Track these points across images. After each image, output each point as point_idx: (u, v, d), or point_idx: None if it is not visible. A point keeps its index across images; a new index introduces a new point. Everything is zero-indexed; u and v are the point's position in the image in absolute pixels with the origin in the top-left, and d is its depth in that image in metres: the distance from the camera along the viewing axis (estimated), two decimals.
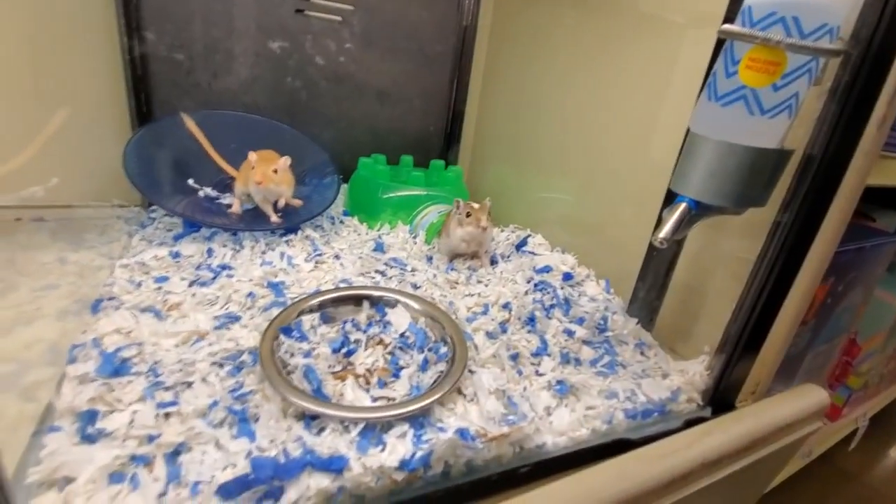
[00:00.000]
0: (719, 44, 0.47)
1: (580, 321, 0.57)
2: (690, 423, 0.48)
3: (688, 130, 0.46)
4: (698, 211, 0.46)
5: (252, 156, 0.68)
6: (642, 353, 0.57)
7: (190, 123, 0.74)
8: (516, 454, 0.40)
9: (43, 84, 0.72)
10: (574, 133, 0.77)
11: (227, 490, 0.31)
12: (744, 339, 0.48)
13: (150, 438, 0.35)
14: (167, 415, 0.37)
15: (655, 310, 0.61)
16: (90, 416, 0.35)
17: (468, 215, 0.64)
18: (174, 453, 0.34)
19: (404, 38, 0.92)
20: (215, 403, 0.38)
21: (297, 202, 0.74)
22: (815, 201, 0.44)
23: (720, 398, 0.51)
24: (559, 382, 0.47)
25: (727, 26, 0.40)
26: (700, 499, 0.43)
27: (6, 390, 0.37)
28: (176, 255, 0.61)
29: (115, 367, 0.40)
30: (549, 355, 0.51)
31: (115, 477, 0.32)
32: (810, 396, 0.52)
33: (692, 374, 0.52)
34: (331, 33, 0.86)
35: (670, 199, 0.53)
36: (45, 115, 0.72)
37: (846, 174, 0.44)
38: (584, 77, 0.75)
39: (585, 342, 0.55)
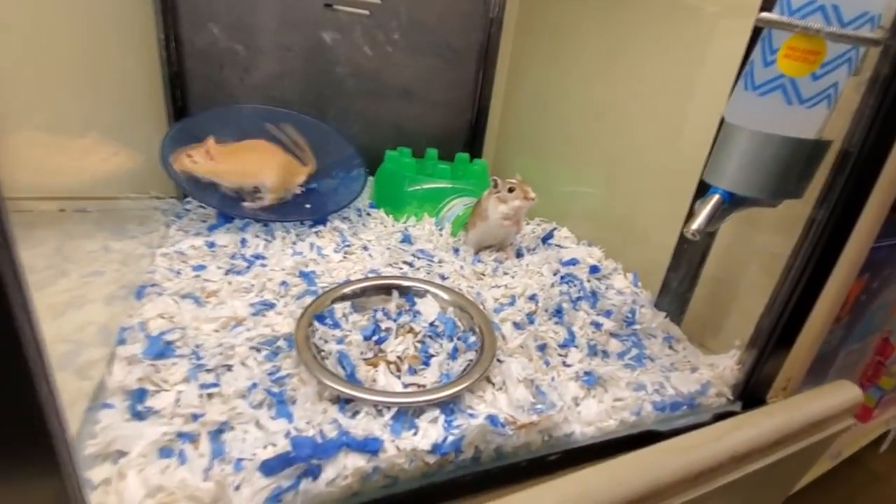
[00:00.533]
0: (756, 33, 0.46)
1: (608, 314, 0.57)
2: (720, 418, 0.48)
3: (722, 121, 0.45)
4: (732, 203, 0.46)
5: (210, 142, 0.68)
6: (671, 347, 0.57)
7: (288, 130, 0.77)
8: (545, 442, 0.40)
9: (88, 80, 0.75)
10: (602, 125, 0.77)
11: (269, 467, 0.32)
12: (776, 334, 0.48)
13: (195, 417, 0.36)
14: (210, 395, 0.39)
15: (685, 303, 0.60)
16: (139, 395, 0.37)
17: (511, 190, 0.65)
18: (218, 431, 0.36)
19: (431, 32, 0.92)
20: (254, 385, 0.39)
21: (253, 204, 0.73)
22: (852, 196, 0.43)
23: (751, 393, 0.51)
24: (587, 374, 0.48)
25: (766, 14, 0.40)
26: (728, 494, 0.43)
27: (63, 369, 0.39)
28: (211, 245, 0.63)
29: (161, 350, 0.42)
30: (576, 347, 0.52)
31: (164, 452, 0.34)
32: (843, 393, 0.51)
33: (722, 368, 0.51)
34: (358, 28, 0.87)
35: (703, 190, 0.53)
36: (90, 110, 0.75)
37: (884, 168, 0.43)
38: (612, 68, 0.74)
39: (613, 335, 0.55)
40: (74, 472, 0.25)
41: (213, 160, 0.67)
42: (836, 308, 0.51)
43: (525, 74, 0.97)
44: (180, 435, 0.35)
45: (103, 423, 0.35)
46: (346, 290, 0.50)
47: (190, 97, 0.80)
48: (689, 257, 0.58)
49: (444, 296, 0.52)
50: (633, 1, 0.70)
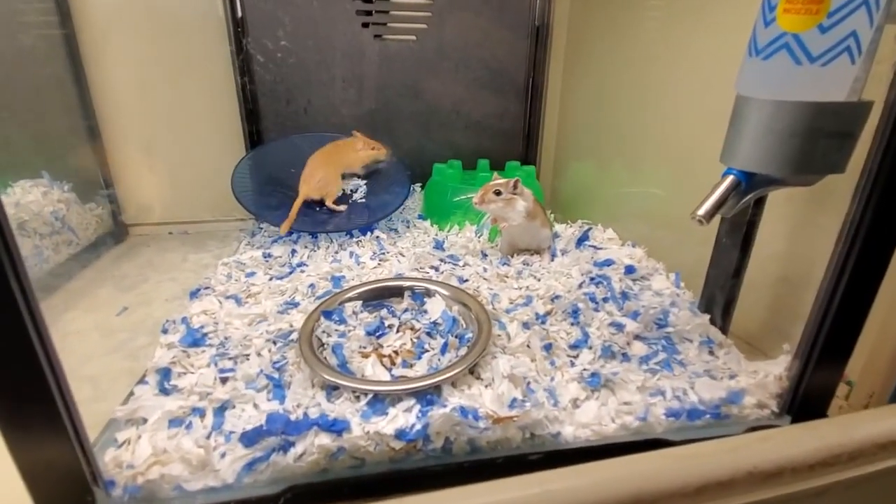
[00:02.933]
0: None
1: (634, 315, 0.53)
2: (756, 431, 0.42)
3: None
4: (751, 185, 0.41)
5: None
6: (710, 353, 0.50)
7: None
8: (526, 440, 0.39)
9: (186, 124, 0.91)
10: (657, 124, 0.72)
11: (247, 438, 0.36)
12: (824, 337, 0.40)
13: (206, 395, 0.42)
14: (224, 379, 0.44)
15: (730, 305, 0.53)
16: (166, 374, 0.44)
17: (497, 193, 0.64)
18: (221, 408, 0.41)
19: (476, 48, 0.95)
20: (260, 372, 0.44)
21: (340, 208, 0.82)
22: None
23: (803, 406, 0.43)
24: (592, 375, 0.45)
25: None
26: None
27: (118, 352, 0.48)
28: (267, 256, 0.71)
29: (195, 339, 0.49)
30: (589, 348, 0.49)
31: (176, 422, 0.39)
32: None
33: (764, 375, 0.44)
34: (407, 53, 0.93)
35: None
36: (185, 146, 0.91)
37: None
38: (670, 63, 0.69)
39: (640, 337, 0.51)
40: (77, 433, 0.31)
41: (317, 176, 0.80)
42: None
43: (580, 78, 0.94)
44: (194, 409, 0.41)
45: (136, 395, 0.42)
46: (354, 291, 0.53)
47: (263, 130, 0.92)
48: (727, 253, 0.51)
49: (445, 292, 0.53)
50: None
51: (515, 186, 0.64)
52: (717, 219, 0.52)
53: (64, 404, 0.30)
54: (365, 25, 0.90)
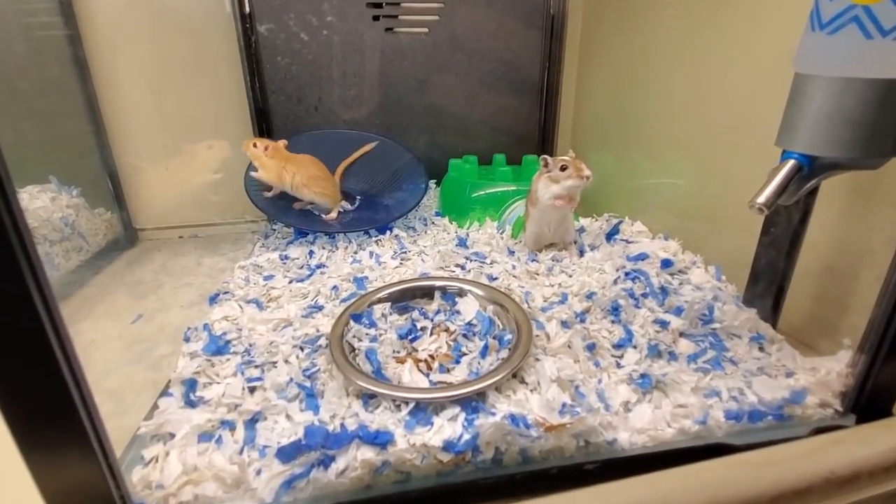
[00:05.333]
0: None
1: (678, 311, 0.50)
2: (822, 433, 0.39)
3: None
4: (813, 169, 0.38)
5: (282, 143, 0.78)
6: (761, 349, 0.48)
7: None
8: (580, 448, 0.36)
9: (195, 126, 0.88)
10: (684, 109, 0.69)
11: (284, 453, 0.33)
12: (891, 332, 0.38)
13: (235, 407, 0.39)
14: (252, 388, 0.42)
15: (780, 298, 0.51)
16: (192, 385, 0.41)
17: (563, 168, 0.61)
18: (252, 420, 0.38)
19: (490, 39, 0.92)
20: (291, 380, 0.42)
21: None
22: None
23: (869, 404, 0.40)
24: (642, 376, 0.42)
25: None
26: None
27: (138, 362, 0.46)
28: (284, 258, 0.69)
29: (218, 347, 0.46)
30: (634, 347, 0.46)
31: (204, 437, 0.37)
32: None
33: (825, 372, 0.42)
34: (419, 45, 0.90)
35: None
36: (194, 147, 0.89)
37: None
38: (693, 41, 0.66)
39: (685, 334, 0.49)
40: (105, 452, 0.28)
41: (266, 155, 0.75)
42: None
43: (597, 67, 0.92)
44: (223, 422, 0.38)
45: (161, 409, 0.39)
46: (383, 292, 0.51)
47: (274, 129, 0.90)
48: (777, 243, 0.49)
49: (481, 293, 0.50)
50: None
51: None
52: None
53: (90, 421, 0.27)
54: (376, 18, 0.88)
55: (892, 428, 0.37)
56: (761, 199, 0.37)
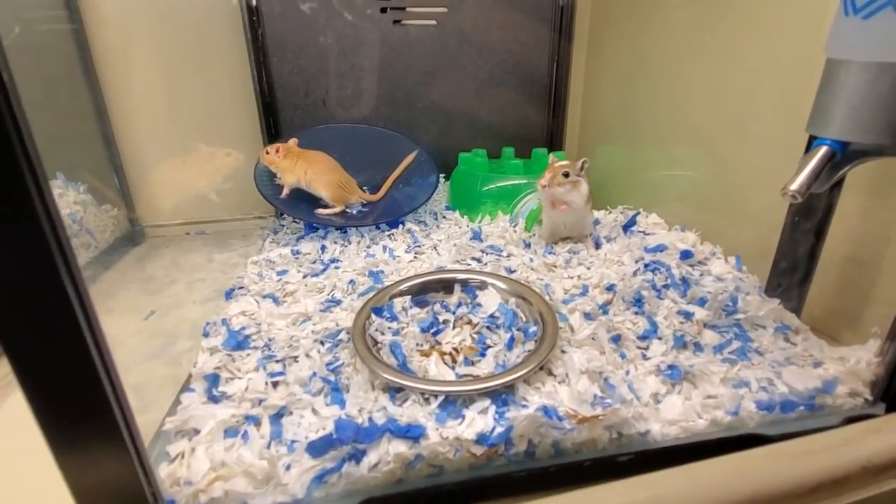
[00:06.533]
0: None
1: (701, 302, 0.50)
2: (854, 422, 0.38)
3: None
4: (846, 156, 0.38)
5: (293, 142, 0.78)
6: (786, 339, 0.47)
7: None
8: (613, 440, 0.36)
9: (201, 121, 0.87)
10: (696, 101, 0.68)
11: (314, 448, 0.33)
12: None
13: (260, 401, 0.39)
14: (275, 383, 0.41)
15: (804, 288, 0.50)
16: (214, 381, 0.41)
17: (565, 175, 0.61)
18: (278, 415, 0.38)
19: (498, 30, 0.91)
20: (314, 374, 0.41)
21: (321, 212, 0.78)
22: None
23: None
24: (671, 367, 0.42)
25: None
26: None
27: (158, 358, 0.45)
28: (296, 253, 0.68)
29: (238, 342, 0.45)
30: (659, 338, 0.46)
31: (231, 432, 0.36)
32: None
33: (855, 361, 0.41)
34: (427, 38, 0.89)
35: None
36: (203, 145, 0.88)
37: None
38: (704, 38, 0.65)
39: (709, 326, 0.48)
40: (136, 449, 0.27)
41: (281, 157, 0.75)
42: None
43: (606, 59, 0.91)
44: (247, 417, 0.38)
45: (184, 404, 0.38)
46: (405, 285, 0.50)
47: (281, 123, 0.89)
48: (802, 232, 0.48)
49: (503, 286, 0.49)
50: None
51: (583, 167, 0.61)
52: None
53: (123, 417, 0.26)
54: (383, 11, 0.87)
55: None
56: (794, 185, 0.37)
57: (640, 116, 0.82)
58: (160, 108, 0.85)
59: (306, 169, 0.75)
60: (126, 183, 0.86)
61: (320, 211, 0.76)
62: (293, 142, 0.78)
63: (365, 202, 0.81)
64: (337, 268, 0.62)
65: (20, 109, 0.21)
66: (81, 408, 0.26)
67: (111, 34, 0.80)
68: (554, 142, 0.99)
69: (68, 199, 0.72)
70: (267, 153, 0.77)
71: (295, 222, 0.82)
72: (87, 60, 0.78)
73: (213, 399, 0.39)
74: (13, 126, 0.21)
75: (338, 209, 0.77)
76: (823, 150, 0.37)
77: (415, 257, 0.65)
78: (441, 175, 0.95)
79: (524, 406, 0.36)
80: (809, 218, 0.47)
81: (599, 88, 0.94)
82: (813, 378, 0.40)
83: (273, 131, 0.88)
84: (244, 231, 0.87)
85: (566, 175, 0.60)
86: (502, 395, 0.37)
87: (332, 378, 0.40)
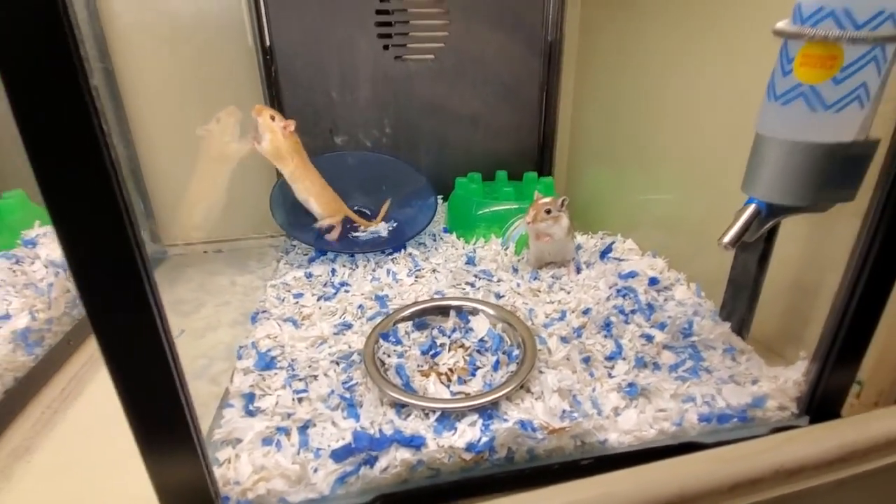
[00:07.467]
0: None
1: (661, 326, 0.58)
2: (779, 432, 0.47)
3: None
4: (770, 212, 0.46)
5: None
6: (733, 359, 0.55)
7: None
8: (577, 447, 0.44)
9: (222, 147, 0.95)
10: (671, 130, 0.75)
11: (337, 455, 0.41)
12: (840, 341, 0.45)
13: (289, 415, 0.47)
14: (300, 399, 0.49)
15: (751, 311, 0.58)
16: (250, 398, 0.49)
17: (548, 212, 0.69)
18: (304, 427, 0.46)
19: (493, 62, 0.99)
20: (332, 392, 0.49)
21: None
22: None
23: (820, 406, 0.48)
24: (630, 385, 0.50)
25: (779, 25, 0.40)
26: None
27: (200, 377, 0.53)
28: (309, 276, 0.76)
29: (266, 363, 0.53)
30: (623, 359, 0.54)
31: (266, 441, 0.45)
32: None
33: (784, 380, 0.49)
34: (426, 71, 0.97)
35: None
36: (218, 168, 0.95)
37: None
38: (679, 71, 0.72)
39: (667, 347, 0.56)
40: (203, 454, 0.36)
41: (282, 130, 0.76)
42: None
43: (591, 89, 0.98)
44: (278, 429, 0.46)
45: (226, 418, 0.47)
46: (407, 311, 0.58)
47: None
48: (745, 263, 0.56)
49: (492, 312, 0.58)
50: (695, 3, 0.69)
51: (563, 204, 0.69)
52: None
53: (194, 428, 0.34)
54: (386, 48, 0.94)
55: (836, 429, 0.44)
56: (727, 238, 0.45)
57: (621, 144, 0.90)
58: (181, 136, 0.93)
59: (297, 166, 0.79)
60: (150, 205, 0.94)
61: (328, 235, 0.84)
62: (293, 124, 0.78)
63: (364, 228, 0.88)
64: (347, 291, 0.70)
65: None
66: (165, 421, 0.33)
67: (137, 71, 0.87)
68: (544, 165, 1.07)
69: None
70: (272, 118, 0.75)
71: (308, 246, 0.90)
72: (115, 94, 0.86)
73: (250, 413, 0.48)
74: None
75: (337, 228, 0.84)
76: (752, 207, 0.45)
77: (415, 280, 0.73)
78: (439, 195, 1.03)
79: (505, 420, 0.44)
80: (753, 250, 0.55)
81: (586, 116, 1.02)
82: (747, 394, 0.48)
83: None
84: (258, 250, 0.95)
85: (548, 212, 0.68)
86: (488, 411, 0.45)
87: (347, 395, 0.49)
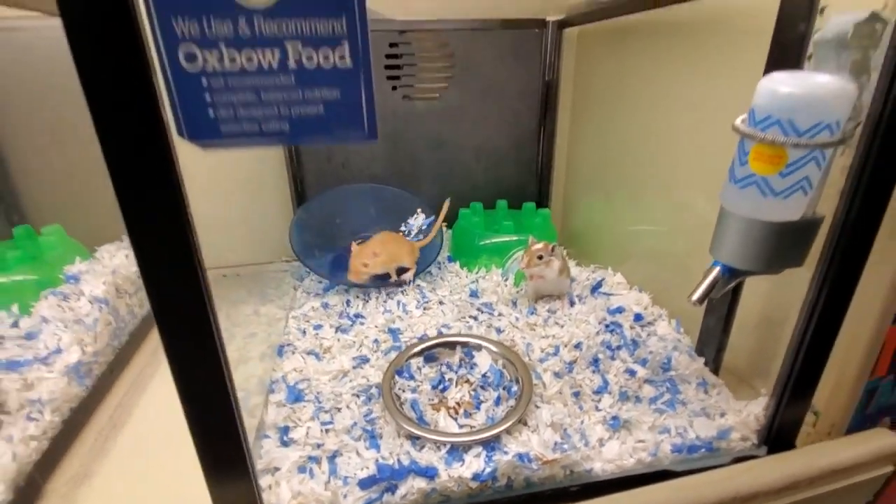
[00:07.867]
0: None
1: (643, 362, 0.66)
2: (740, 461, 0.54)
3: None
4: (732, 274, 0.53)
5: (353, 247, 0.86)
6: (706, 392, 0.63)
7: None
8: (567, 475, 0.52)
9: (240, 181, 1.02)
10: (655, 167, 0.81)
11: (364, 483, 0.48)
12: (793, 379, 0.53)
13: (318, 445, 0.54)
14: (327, 430, 0.56)
15: (722, 348, 0.66)
16: (284, 430, 0.56)
17: (539, 257, 0.77)
18: (332, 456, 0.53)
19: (494, 99, 1.06)
20: (355, 423, 0.56)
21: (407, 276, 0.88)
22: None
23: (777, 438, 0.56)
24: (613, 418, 0.57)
25: (737, 124, 0.48)
26: None
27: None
28: (326, 306, 0.83)
29: (296, 396, 0.61)
30: (609, 393, 0.61)
31: (301, 469, 0.52)
32: (877, 440, 0.54)
33: (746, 413, 0.57)
34: (431, 109, 1.04)
35: None
36: (241, 201, 1.03)
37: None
38: (668, 110, 0.77)
39: (648, 381, 0.64)
40: (255, 480, 0.43)
41: (377, 256, 0.84)
42: (871, 354, 0.54)
43: (586, 124, 1.06)
44: (310, 458, 0.53)
45: (265, 449, 0.54)
46: (418, 348, 0.66)
47: (307, 184, 1.04)
48: (717, 303, 0.64)
49: (494, 349, 0.65)
50: (683, 44, 0.73)
51: (553, 250, 0.76)
52: None
53: (248, 455, 0.42)
54: (394, 88, 1.01)
55: (788, 460, 0.52)
56: (695, 297, 0.52)
57: (612, 178, 0.97)
58: (205, 171, 1.00)
59: (385, 248, 0.85)
60: None
61: (401, 278, 0.88)
62: (356, 247, 0.86)
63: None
64: (362, 324, 0.77)
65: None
66: (225, 441, 0.41)
67: None
68: (542, 196, 1.15)
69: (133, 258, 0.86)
70: (366, 265, 0.83)
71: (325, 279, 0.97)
72: None
73: (285, 444, 0.55)
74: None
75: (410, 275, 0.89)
76: (717, 270, 0.53)
77: (424, 312, 0.80)
78: (443, 223, 1.11)
79: (506, 453, 0.52)
80: (722, 299, 0.63)
81: (580, 151, 1.09)
82: (714, 427, 0.56)
83: (300, 190, 1.04)
84: (274, 276, 1.02)
85: (540, 257, 0.75)
86: (491, 444, 0.53)
87: (368, 427, 0.56)
